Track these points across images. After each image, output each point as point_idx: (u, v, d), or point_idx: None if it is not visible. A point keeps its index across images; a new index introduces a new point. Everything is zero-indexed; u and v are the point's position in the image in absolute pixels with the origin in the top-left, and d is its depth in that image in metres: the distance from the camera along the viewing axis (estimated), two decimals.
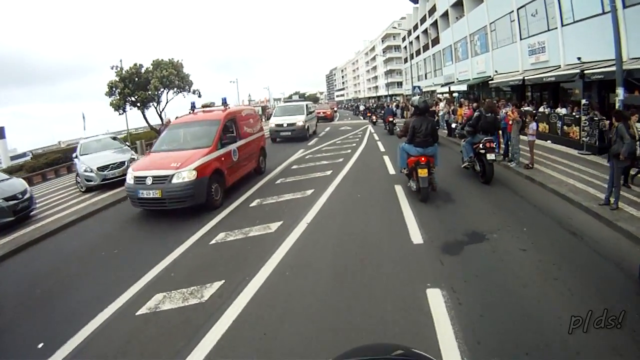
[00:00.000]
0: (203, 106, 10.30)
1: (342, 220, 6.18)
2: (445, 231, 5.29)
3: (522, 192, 7.12)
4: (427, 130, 6.66)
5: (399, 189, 7.67)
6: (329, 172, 9.91)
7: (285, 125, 17.99)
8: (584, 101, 10.58)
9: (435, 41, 33.77)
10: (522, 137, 9.37)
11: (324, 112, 32.78)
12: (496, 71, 20.85)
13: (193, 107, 9.68)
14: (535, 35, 17.38)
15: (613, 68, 9.46)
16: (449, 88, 27.08)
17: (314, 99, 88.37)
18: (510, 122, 9.44)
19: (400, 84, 62.73)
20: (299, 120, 18.09)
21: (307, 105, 20.24)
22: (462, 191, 7.36)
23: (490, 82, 20.41)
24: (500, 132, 10.01)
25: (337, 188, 8.27)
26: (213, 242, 5.67)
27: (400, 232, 5.39)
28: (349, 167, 10.58)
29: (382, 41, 72.85)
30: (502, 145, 10.28)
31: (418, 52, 40.12)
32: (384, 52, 70.00)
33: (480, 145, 7.58)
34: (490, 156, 7.42)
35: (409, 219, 5.88)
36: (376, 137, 17.40)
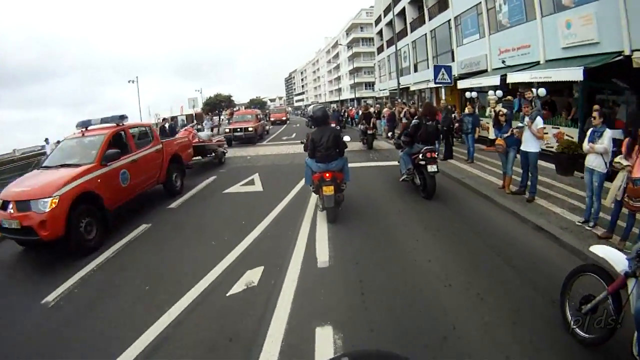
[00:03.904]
0: None
1: None
2: None
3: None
4: (328, 143, 5.70)
5: None
6: None
7: None
8: None
9: (437, 9, 20.55)
10: None
11: None
12: None
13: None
14: None
15: None
16: (540, 82, 13.08)
17: (261, 103, 73.28)
18: None
19: (370, 84, 49.67)
20: None
21: None
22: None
23: None
24: None
25: None
26: None
27: None
28: None
29: (347, 34, 59.85)
30: None
31: (403, 34, 26.74)
32: (348, 47, 56.93)
33: (420, 156, 6.66)
34: (432, 168, 6.53)
35: None
36: None
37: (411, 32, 25.46)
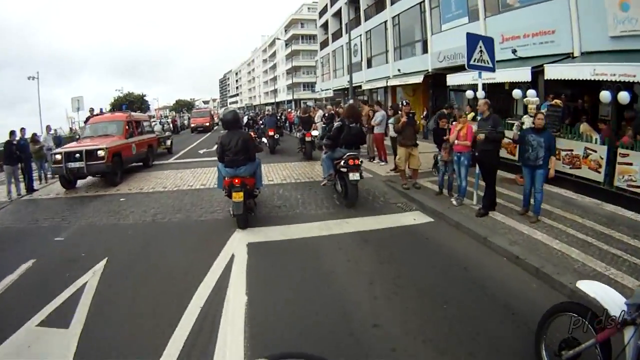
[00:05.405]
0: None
1: None
2: None
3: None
4: (236, 147, 5.40)
5: None
6: None
7: None
8: None
9: None
10: None
11: None
12: None
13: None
14: None
15: None
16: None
17: (188, 105, 64.54)
18: None
19: (309, 85, 45.10)
20: None
21: None
22: None
23: None
24: None
25: None
26: None
27: None
28: None
29: (286, 30, 54.82)
30: None
31: (355, 23, 22.31)
32: (287, 44, 51.90)
33: (342, 162, 6.17)
34: (354, 176, 6.04)
35: None
36: None
37: (365, 20, 21.17)
